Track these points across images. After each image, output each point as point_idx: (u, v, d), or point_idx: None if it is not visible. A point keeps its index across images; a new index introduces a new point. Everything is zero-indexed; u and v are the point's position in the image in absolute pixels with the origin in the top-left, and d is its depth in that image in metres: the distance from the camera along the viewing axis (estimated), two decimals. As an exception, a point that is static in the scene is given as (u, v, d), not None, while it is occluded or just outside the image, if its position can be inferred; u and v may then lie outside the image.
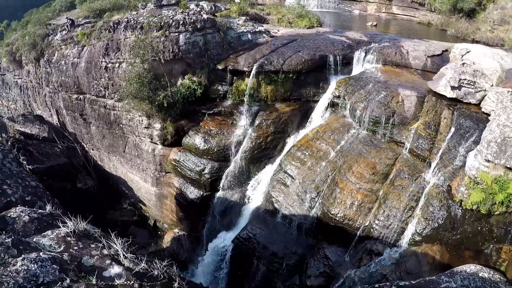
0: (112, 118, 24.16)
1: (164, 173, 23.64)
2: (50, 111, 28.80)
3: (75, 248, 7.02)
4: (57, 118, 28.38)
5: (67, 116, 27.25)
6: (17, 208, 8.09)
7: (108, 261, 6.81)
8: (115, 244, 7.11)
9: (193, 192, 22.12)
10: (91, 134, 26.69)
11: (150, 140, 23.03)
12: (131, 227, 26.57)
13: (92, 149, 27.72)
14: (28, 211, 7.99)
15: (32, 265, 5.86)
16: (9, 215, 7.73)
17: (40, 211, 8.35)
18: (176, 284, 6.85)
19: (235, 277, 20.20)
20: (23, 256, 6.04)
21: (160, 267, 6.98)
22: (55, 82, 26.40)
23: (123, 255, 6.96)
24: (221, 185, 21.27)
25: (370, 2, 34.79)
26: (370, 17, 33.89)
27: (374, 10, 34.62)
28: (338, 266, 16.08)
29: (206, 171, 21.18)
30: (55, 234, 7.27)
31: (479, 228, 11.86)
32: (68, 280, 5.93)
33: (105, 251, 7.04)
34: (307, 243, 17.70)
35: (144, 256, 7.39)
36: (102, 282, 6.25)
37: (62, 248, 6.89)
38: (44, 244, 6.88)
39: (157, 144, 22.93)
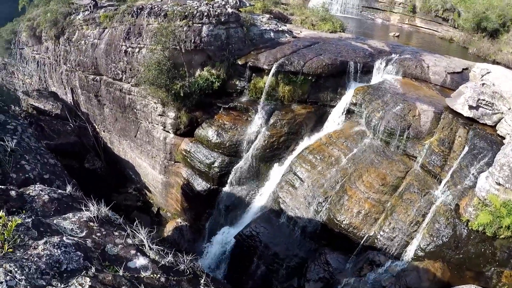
0: (126, 102, 24.85)
1: (173, 162, 24.28)
2: (65, 89, 29.63)
3: (98, 234, 6.76)
4: (71, 97, 29.18)
5: (82, 95, 28.04)
6: (36, 185, 7.86)
7: (133, 251, 6.59)
8: (140, 233, 6.93)
9: (200, 184, 22.71)
10: (103, 116, 27.46)
11: (162, 128, 23.67)
12: (134, 212, 27.32)
13: (103, 131, 28.49)
14: (48, 190, 7.72)
15: (55, 250, 5.50)
16: (27, 192, 7.46)
17: (60, 191, 8.08)
18: (202, 281, 6.76)
19: (234, 273, 20.80)
20: (45, 239, 5.68)
21: (185, 261, 6.82)
22: (73, 61, 27.16)
23: (149, 246, 6.77)
24: (229, 180, 21.83)
25: (394, 12, 35.40)
26: (392, 27, 34.42)
27: (397, 21, 35.12)
28: (338, 273, 16.62)
29: (216, 164, 21.76)
30: (76, 217, 7.00)
31: (482, 250, 12.37)
32: (93, 269, 5.64)
33: (129, 240, 6.81)
34: (309, 247, 18.25)
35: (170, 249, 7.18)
36: (127, 273, 6.01)
37: (84, 234, 6.64)
38: (65, 228, 6.60)
39: (169, 132, 23.55)
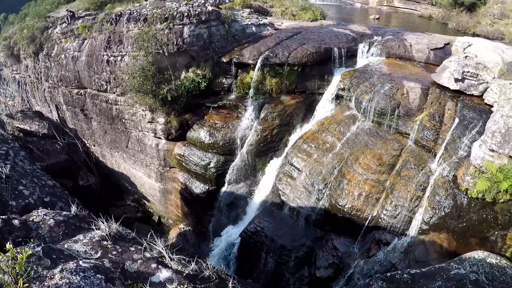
0: (114, 113, 25.06)
1: (168, 168, 24.62)
2: (49, 106, 29.68)
3: (114, 253, 6.64)
4: (57, 114, 29.25)
5: (67, 111, 28.13)
6: (39, 210, 7.77)
7: (153, 265, 6.52)
8: (157, 245, 6.90)
9: (198, 187, 23.07)
10: (92, 130, 27.62)
11: (153, 134, 23.97)
12: (135, 224, 27.55)
13: (94, 145, 28.66)
14: (52, 214, 7.64)
15: (74, 277, 5.30)
16: (31, 219, 7.28)
17: (64, 213, 8.00)
18: (230, 284, 6.74)
19: (243, 271, 21.18)
20: (60, 267, 5.47)
21: (209, 267, 6.84)
22: (54, 77, 27.23)
23: (169, 257, 6.71)
24: (227, 179, 22.24)
25: None
26: (371, 10, 35.36)
27: (375, 3, 36.03)
28: (347, 256, 17.16)
29: (212, 165, 22.14)
30: (88, 238, 6.88)
31: (484, 216, 12.96)
32: None
33: (148, 254, 6.75)
34: (315, 235, 18.74)
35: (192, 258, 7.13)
36: None
37: (99, 254, 6.51)
38: (78, 251, 6.44)
39: (161, 138, 23.87)
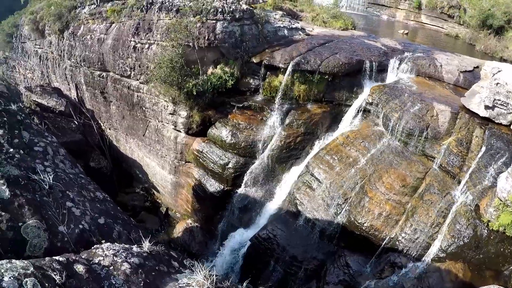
0: (135, 99, 26.38)
1: (184, 162, 25.85)
2: (69, 85, 31.16)
3: None
4: (75, 93, 30.69)
5: (87, 92, 29.57)
6: (103, 246, 6.76)
7: None
8: None
9: (213, 185, 24.20)
10: (110, 113, 29.01)
11: (173, 127, 25.21)
12: (142, 213, 29.02)
13: (109, 129, 30.06)
14: (123, 253, 6.60)
15: None
16: (97, 260, 6.35)
17: (136, 250, 7.00)
18: None
19: (249, 276, 22.35)
20: None
21: None
22: (77, 56, 28.64)
23: None
24: (244, 181, 23.25)
25: (399, 8, 37.51)
26: (398, 24, 36.54)
27: (402, 17, 37.26)
28: (359, 275, 17.99)
29: (230, 165, 23.24)
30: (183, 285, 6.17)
31: (502, 249, 14.09)
32: None
33: None
34: (328, 249, 19.62)
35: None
36: None
37: None
38: None
39: (180, 132, 25.09)
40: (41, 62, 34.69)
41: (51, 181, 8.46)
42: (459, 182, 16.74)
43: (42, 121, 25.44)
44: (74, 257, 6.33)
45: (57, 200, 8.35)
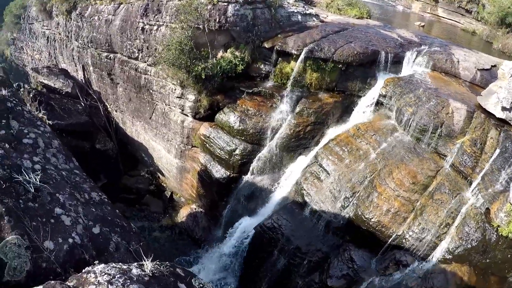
0: (142, 82, 26.64)
1: (190, 147, 26.23)
2: (76, 66, 31.54)
3: None
4: (82, 74, 31.07)
5: (94, 73, 29.91)
6: (96, 268, 5.93)
7: None
8: None
9: (219, 171, 24.55)
10: (116, 95, 29.35)
11: (180, 111, 25.48)
12: (147, 196, 29.63)
13: (116, 111, 30.47)
14: (120, 277, 5.80)
15: None
16: None
17: (137, 272, 6.14)
18: None
19: (251, 265, 22.74)
20: None
21: None
22: (85, 38, 28.93)
23: None
24: (250, 168, 23.58)
25: (416, 0, 36.76)
26: (414, 15, 36.48)
27: (418, 9, 37.19)
28: (363, 271, 18.27)
29: (237, 152, 23.53)
30: None
31: (509, 256, 14.36)
32: None
33: None
34: (333, 242, 19.89)
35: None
36: None
37: None
38: None
39: (187, 116, 25.37)
40: (49, 43, 35.11)
41: (38, 183, 7.54)
42: (471, 184, 16.86)
43: (48, 102, 25.90)
44: (60, 284, 5.59)
45: (44, 206, 7.42)
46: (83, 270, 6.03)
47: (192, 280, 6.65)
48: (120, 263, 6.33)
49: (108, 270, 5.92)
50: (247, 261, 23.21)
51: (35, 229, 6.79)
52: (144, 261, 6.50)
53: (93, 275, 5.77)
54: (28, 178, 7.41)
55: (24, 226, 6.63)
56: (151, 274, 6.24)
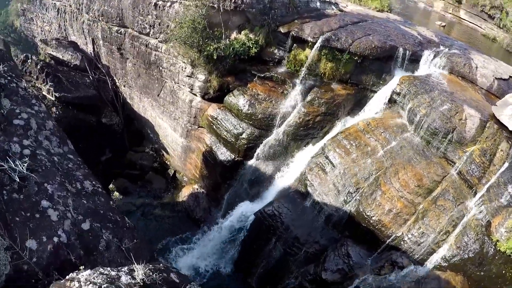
0: (152, 58, 26.79)
1: (196, 127, 26.53)
2: (85, 39, 31.69)
3: None
4: (92, 48, 31.24)
5: (103, 47, 30.09)
6: (81, 275, 5.51)
7: None
8: None
9: (224, 154, 24.90)
10: (125, 70, 29.58)
11: (189, 90, 25.68)
12: (150, 173, 30.17)
13: (124, 86, 30.74)
14: (106, 287, 5.39)
15: None
16: None
17: (125, 279, 5.78)
18: None
19: (248, 250, 23.39)
20: None
21: None
22: (96, 11, 29.00)
23: None
24: (256, 153, 23.86)
25: None
26: (435, 14, 36.19)
27: (440, 8, 36.92)
28: (358, 267, 18.75)
29: (244, 136, 23.78)
30: None
31: (503, 271, 14.65)
32: None
33: None
34: (332, 236, 20.38)
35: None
36: None
37: None
38: None
39: (196, 95, 25.59)
40: (59, 15, 35.22)
41: (25, 171, 7.02)
42: (475, 194, 17.05)
43: (56, 74, 26.18)
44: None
45: (30, 197, 6.93)
46: (67, 277, 5.62)
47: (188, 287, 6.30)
48: (109, 269, 5.93)
49: (94, 278, 5.49)
50: (244, 246, 23.79)
51: (17, 226, 6.36)
52: (135, 264, 6.15)
53: (77, 284, 5.34)
54: (14, 166, 6.91)
55: (5, 222, 6.18)
56: (142, 283, 5.82)
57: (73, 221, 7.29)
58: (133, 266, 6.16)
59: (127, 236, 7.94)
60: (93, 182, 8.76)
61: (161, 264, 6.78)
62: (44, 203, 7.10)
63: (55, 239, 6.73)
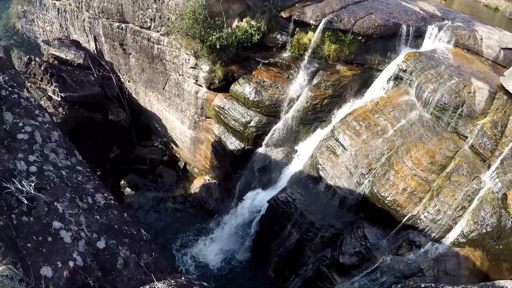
0: (155, 52, 26.85)
1: (204, 118, 26.63)
2: (87, 37, 31.80)
3: None
4: (94, 45, 31.36)
5: (106, 44, 30.18)
6: None
7: None
8: None
9: (233, 143, 25.02)
10: (129, 66, 29.68)
11: (194, 81, 25.73)
12: (160, 167, 30.42)
13: (128, 81, 30.87)
14: None
15: None
16: None
17: None
18: None
19: (264, 239, 23.56)
20: None
21: None
22: (96, 8, 29.04)
23: None
24: (265, 141, 23.96)
25: None
26: None
27: None
28: (376, 249, 18.80)
29: (252, 124, 23.84)
30: None
31: (522, 243, 14.80)
32: None
33: None
34: (347, 219, 20.38)
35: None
36: None
37: None
38: None
39: (201, 86, 25.62)
40: (59, 15, 35.39)
41: (33, 191, 6.64)
42: (489, 167, 17.02)
43: (60, 74, 26.33)
44: None
45: (41, 219, 6.54)
46: None
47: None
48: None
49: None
50: (259, 234, 23.95)
51: (29, 252, 5.99)
52: (156, 282, 5.99)
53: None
54: (20, 186, 6.53)
55: (17, 250, 5.84)
56: None
57: (87, 241, 6.94)
58: (155, 285, 5.98)
59: (145, 250, 7.72)
60: (105, 195, 8.41)
61: (183, 278, 6.59)
62: (56, 224, 6.73)
63: (71, 263, 6.33)
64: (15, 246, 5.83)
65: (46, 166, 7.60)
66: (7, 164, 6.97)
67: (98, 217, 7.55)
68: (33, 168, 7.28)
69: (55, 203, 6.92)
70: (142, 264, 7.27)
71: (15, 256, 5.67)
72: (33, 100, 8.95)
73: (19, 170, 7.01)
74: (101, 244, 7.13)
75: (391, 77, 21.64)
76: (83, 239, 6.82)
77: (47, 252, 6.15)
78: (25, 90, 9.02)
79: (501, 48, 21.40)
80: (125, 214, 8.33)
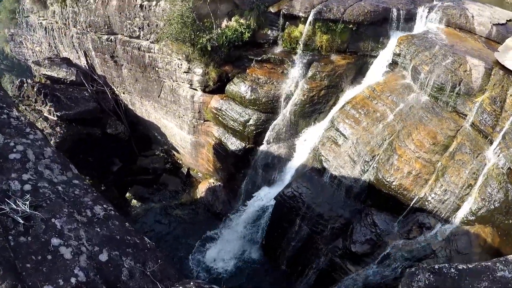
0: (146, 60, 26.94)
1: (202, 121, 26.70)
2: (77, 53, 31.96)
3: None
4: (85, 61, 31.52)
5: (96, 58, 30.27)
6: None
7: None
8: None
9: (234, 144, 25.10)
10: (122, 77, 29.78)
11: (189, 85, 25.80)
12: (163, 175, 30.50)
13: (123, 93, 30.98)
14: None
15: None
16: None
17: None
18: None
19: (274, 235, 23.61)
20: None
21: None
22: (83, 23, 29.15)
23: None
24: (266, 138, 24.06)
25: None
26: None
27: None
28: (386, 235, 18.82)
29: (251, 122, 23.91)
30: None
31: (531, 216, 14.84)
32: None
33: None
34: (355, 207, 20.45)
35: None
36: None
37: None
38: None
39: (196, 90, 25.69)
40: (47, 34, 35.62)
41: (28, 210, 6.53)
42: (492, 143, 17.03)
43: (53, 93, 26.45)
44: None
45: (39, 238, 6.40)
46: None
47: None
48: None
49: None
50: (269, 231, 24.05)
51: (29, 273, 5.84)
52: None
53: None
54: (15, 206, 6.44)
55: (16, 272, 5.71)
56: None
57: (88, 255, 6.73)
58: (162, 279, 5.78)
59: (149, 258, 7.49)
60: (104, 206, 8.18)
61: (192, 283, 6.54)
62: (55, 241, 6.56)
63: (73, 279, 6.12)
64: (14, 268, 5.71)
65: (41, 183, 7.50)
66: (1, 185, 6.90)
67: (98, 229, 7.40)
68: (27, 187, 7.20)
69: (53, 220, 6.83)
70: (148, 273, 7.14)
71: (14, 279, 5.56)
72: (23, 118, 8.84)
73: (13, 190, 6.91)
74: (103, 257, 6.97)
75: (385, 62, 21.74)
76: (84, 253, 6.68)
77: (47, 271, 6.04)
78: (14, 109, 8.96)
79: (493, 24, 21.36)
80: (126, 223, 8.14)
